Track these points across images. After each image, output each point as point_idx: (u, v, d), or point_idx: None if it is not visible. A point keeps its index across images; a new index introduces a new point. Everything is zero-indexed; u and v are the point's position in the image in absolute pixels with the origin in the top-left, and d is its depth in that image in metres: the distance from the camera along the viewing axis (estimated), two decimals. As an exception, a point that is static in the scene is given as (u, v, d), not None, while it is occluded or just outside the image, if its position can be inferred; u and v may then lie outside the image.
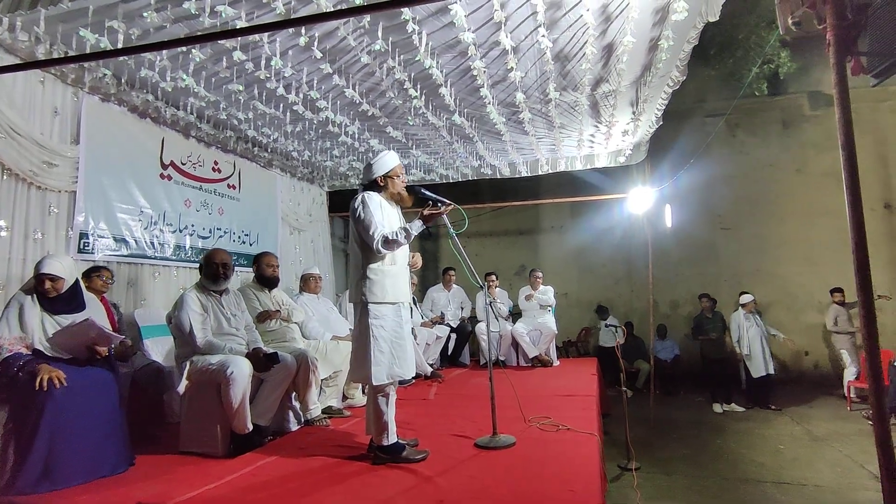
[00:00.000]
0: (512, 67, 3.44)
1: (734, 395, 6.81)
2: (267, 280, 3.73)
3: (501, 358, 6.07)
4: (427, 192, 2.89)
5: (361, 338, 2.63)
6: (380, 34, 3.10)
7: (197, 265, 4.72)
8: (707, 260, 8.74)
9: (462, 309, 6.38)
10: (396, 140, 4.92)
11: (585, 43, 3.34)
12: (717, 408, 6.67)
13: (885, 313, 8.14)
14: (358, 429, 3.27)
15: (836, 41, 1.73)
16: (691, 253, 8.72)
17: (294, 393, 3.33)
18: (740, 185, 8.75)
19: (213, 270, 3.11)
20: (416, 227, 2.72)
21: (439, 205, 2.94)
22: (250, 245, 5.57)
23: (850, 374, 7.05)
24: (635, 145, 5.50)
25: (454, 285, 6.42)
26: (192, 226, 4.80)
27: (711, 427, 5.94)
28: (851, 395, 6.68)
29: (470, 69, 3.56)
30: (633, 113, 4.68)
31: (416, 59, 3.31)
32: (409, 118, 4.34)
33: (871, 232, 6.65)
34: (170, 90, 3.66)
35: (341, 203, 8.21)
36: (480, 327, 6.02)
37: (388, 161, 2.82)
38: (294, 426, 3.32)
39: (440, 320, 5.81)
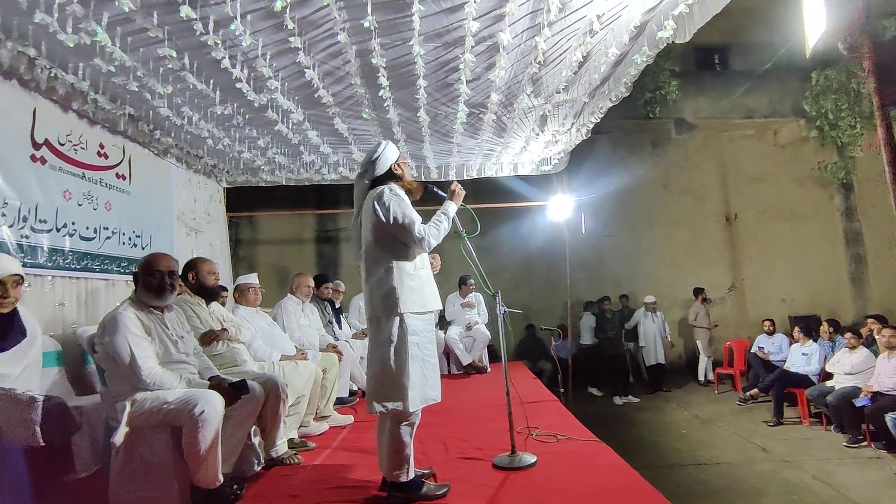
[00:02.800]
0: (501, 65, 3.29)
1: (631, 388, 7.54)
2: (208, 291, 3.05)
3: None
4: (436, 189, 2.62)
5: (395, 357, 2.24)
6: (369, 10, 2.73)
7: (78, 273, 3.80)
8: (594, 264, 9.53)
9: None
10: (337, 134, 4.44)
11: (567, 49, 3.36)
12: (618, 400, 7.29)
13: (727, 306, 9.75)
14: (339, 461, 2.84)
15: (876, 69, 1.92)
16: (582, 257, 9.44)
17: (254, 428, 2.76)
18: (620, 197, 9.69)
19: (158, 281, 2.42)
20: (451, 208, 2.48)
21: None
22: (143, 248, 4.57)
23: (703, 361, 8.30)
24: (563, 154, 5.74)
25: (380, 292, 6.04)
26: (73, 224, 3.76)
27: (621, 419, 6.45)
28: (717, 381, 7.83)
29: (450, 62, 3.34)
30: (572, 124, 4.87)
31: (407, 42, 2.99)
32: (366, 110, 3.93)
33: (716, 240, 7.81)
34: (70, 46, 2.78)
35: (237, 202, 7.28)
36: (450, 336, 5.75)
37: (392, 148, 2.52)
38: (256, 468, 2.73)
39: (372, 330, 5.39)
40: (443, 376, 5.55)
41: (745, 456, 4.93)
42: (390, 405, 2.22)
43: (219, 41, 2.88)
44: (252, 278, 3.74)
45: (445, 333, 5.84)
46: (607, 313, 7.90)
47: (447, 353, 5.95)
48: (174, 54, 2.98)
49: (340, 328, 5.08)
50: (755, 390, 6.30)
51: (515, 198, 7.05)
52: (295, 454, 2.87)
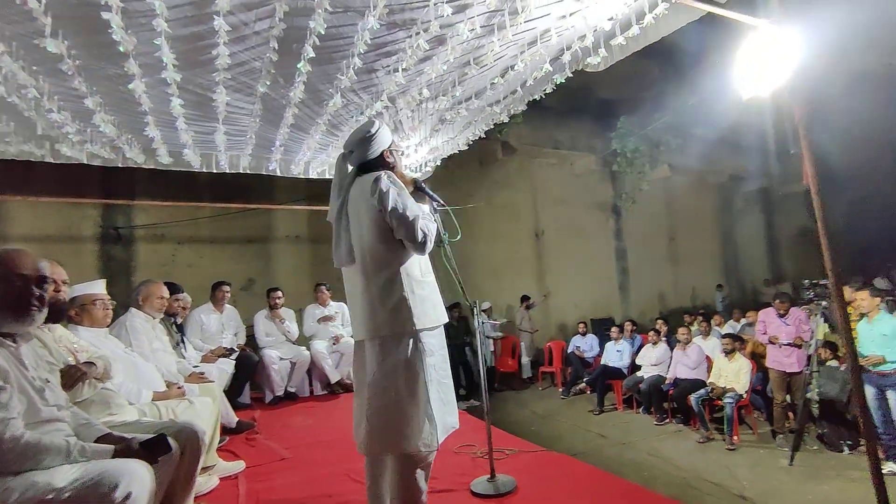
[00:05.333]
0: (442, 59, 3.06)
1: (473, 392, 7.90)
2: (52, 311, 2.03)
3: (291, 389, 5.13)
4: (426, 188, 2.28)
5: (411, 385, 1.81)
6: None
7: None
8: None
9: (236, 335, 5.06)
10: (207, 107, 3.53)
11: (503, 56, 3.32)
12: (461, 405, 7.54)
13: (536, 311, 11.08)
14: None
15: (804, 116, 2.37)
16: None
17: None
18: (452, 210, 10.19)
19: (19, 292, 1.49)
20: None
21: (435, 204, 2.36)
22: None
23: (525, 361, 9.28)
24: (435, 162, 5.70)
25: (227, 305, 5.03)
26: None
27: (476, 423, 6.67)
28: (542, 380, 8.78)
29: (387, 45, 2.97)
30: (460, 132, 4.89)
31: (356, 11, 2.54)
32: (264, 83, 3.21)
33: (528, 253, 9.08)
34: None
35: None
36: (270, 355, 4.95)
37: (387, 130, 2.13)
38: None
39: (226, 353, 4.44)
40: (302, 400, 5.00)
41: (592, 444, 5.60)
42: (407, 445, 1.80)
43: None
44: (97, 287, 2.66)
45: (312, 348, 5.20)
46: (453, 321, 8.14)
47: (309, 371, 5.29)
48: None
49: (186, 351, 4.05)
50: (584, 384, 7.24)
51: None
52: (209, 527, 2.11)
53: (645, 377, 6.35)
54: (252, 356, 4.85)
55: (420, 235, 1.94)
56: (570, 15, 2.83)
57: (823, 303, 4.62)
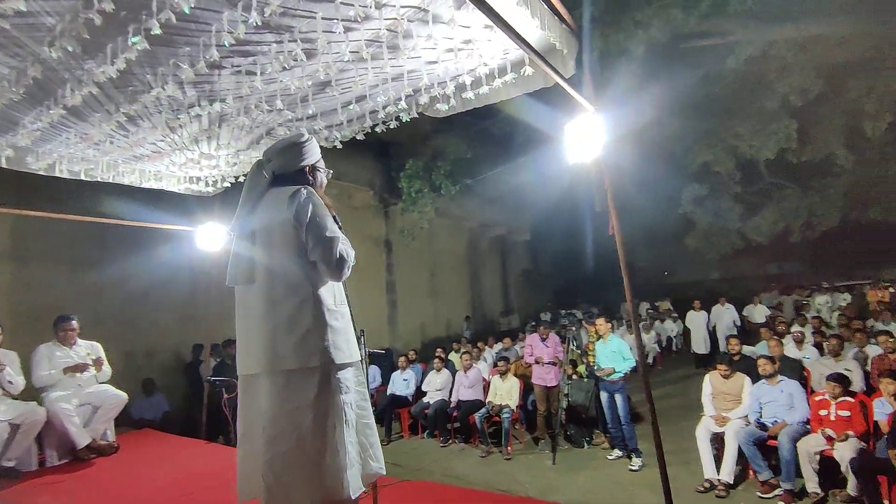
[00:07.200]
0: (306, 72, 2.86)
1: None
2: None
3: (8, 463, 3.70)
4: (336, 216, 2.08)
5: (315, 426, 1.60)
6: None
7: None
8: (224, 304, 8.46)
9: (11, 382, 3.41)
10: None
11: (364, 84, 3.30)
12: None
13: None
14: None
15: (610, 181, 3.09)
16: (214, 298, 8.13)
17: None
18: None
19: None
20: None
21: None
22: None
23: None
24: (236, 178, 5.10)
25: None
26: None
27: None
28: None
29: (250, 44, 2.63)
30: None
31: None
32: (61, 48, 2.38)
33: None
34: None
35: None
36: (60, 407, 3.50)
37: (316, 146, 1.92)
38: None
39: None
40: (31, 477, 3.73)
41: (391, 474, 5.55)
42: (320, 496, 1.57)
43: None
44: None
45: (45, 404, 3.85)
46: (227, 358, 7.16)
47: (39, 436, 3.90)
48: None
49: None
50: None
51: (148, 217, 5.57)
52: None
53: (431, 402, 6.79)
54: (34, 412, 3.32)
55: (336, 257, 1.79)
56: (441, 61, 3.04)
57: (573, 328, 5.87)
